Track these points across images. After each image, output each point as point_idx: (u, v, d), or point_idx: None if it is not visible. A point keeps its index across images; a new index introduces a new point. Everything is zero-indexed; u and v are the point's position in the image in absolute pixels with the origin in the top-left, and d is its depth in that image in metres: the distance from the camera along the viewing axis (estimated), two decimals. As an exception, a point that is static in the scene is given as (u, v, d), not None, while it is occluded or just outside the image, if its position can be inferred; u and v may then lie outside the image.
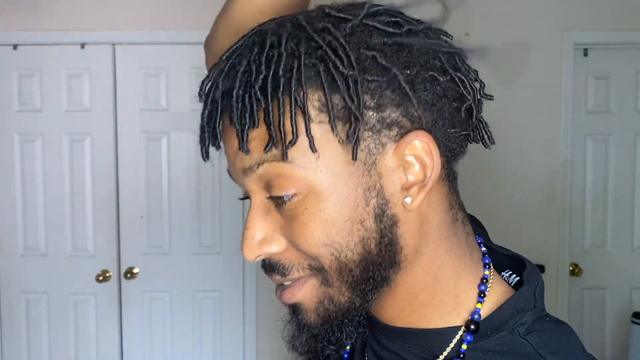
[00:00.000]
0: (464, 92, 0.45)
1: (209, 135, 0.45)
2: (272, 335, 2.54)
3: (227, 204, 2.51)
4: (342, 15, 0.43)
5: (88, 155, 2.48)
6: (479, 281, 0.49)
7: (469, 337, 0.46)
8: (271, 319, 2.53)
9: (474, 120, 0.47)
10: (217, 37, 0.63)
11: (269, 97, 0.41)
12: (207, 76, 0.45)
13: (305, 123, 0.41)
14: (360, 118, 0.41)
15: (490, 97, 0.48)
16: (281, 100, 0.41)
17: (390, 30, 0.42)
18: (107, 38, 2.43)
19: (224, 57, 0.45)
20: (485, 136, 0.49)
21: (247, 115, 0.42)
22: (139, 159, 2.49)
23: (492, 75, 2.38)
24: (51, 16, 2.42)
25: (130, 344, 2.54)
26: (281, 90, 0.41)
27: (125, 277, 2.48)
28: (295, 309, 0.48)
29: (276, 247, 0.46)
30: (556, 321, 0.48)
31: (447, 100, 0.45)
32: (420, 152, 0.43)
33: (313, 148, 0.41)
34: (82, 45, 2.43)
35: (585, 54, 2.48)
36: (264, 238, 0.46)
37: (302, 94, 0.41)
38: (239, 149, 0.43)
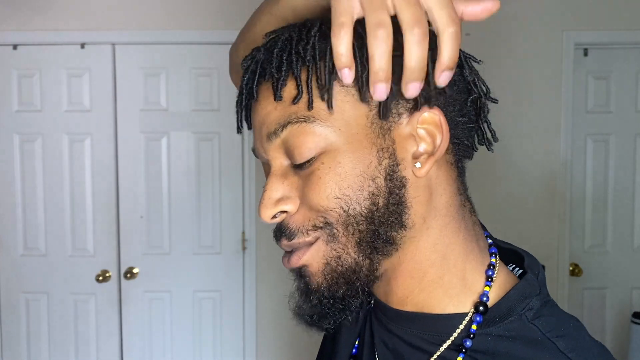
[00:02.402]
0: (472, 86, 0.49)
1: (246, 96, 0.50)
2: (272, 335, 2.54)
3: (227, 204, 2.51)
4: None
5: (88, 155, 2.48)
6: (486, 267, 0.51)
7: (478, 318, 0.47)
8: (271, 319, 2.53)
9: (481, 116, 0.51)
10: (239, 51, 0.64)
11: (304, 58, 0.46)
12: (251, 52, 0.51)
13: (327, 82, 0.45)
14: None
15: (495, 100, 0.51)
16: (316, 62, 0.45)
17: None
18: (107, 38, 2.43)
19: (268, 35, 0.50)
20: (489, 134, 0.52)
21: (283, 69, 0.46)
22: (139, 159, 2.49)
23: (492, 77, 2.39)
24: (51, 16, 2.42)
25: (130, 344, 2.54)
26: (316, 53, 0.45)
27: (125, 277, 2.48)
28: (301, 274, 0.50)
29: (290, 206, 0.48)
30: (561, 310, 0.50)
31: (458, 89, 0.48)
32: (431, 125, 0.46)
33: (330, 104, 0.45)
34: (82, 45, 2.43)
35: (585, 54, 2.48)
36: (281, 198, 0.49)
37: (331, 54, 0.44)
38: (274, 98, 0.47)
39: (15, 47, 2.43)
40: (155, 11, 2.43)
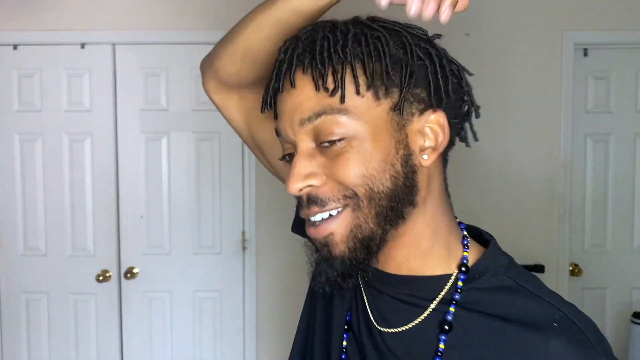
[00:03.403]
0: (468, 95, 0.61)
1: (280, 84, 0.58)
2: (272, 335, 2.54)
3: (227, 204, 2.51)
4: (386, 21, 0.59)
5: (88, 155, 2.48)
6: (461, 238, 0.63)
7: (462, 276, 0.59)
8: (271, 318, 2.53)
9: (468, 119, 0.62)
10: (223, 58, 0.72)
11: (345, 59, 0.54)
12: (284, 44, 0.59)
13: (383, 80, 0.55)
14: (405, 84, 0.55)
15: (477, 107, 0.63)
16: (352, 63, 0.55)
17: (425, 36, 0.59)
18: (107, 38, 2.43)
19: (301, 33, 0.58)
20: (472, 135, 0.63)
21: (326, 65, 0.55)
22: (139, 159, 2.49)
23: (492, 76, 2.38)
24: (51, 16, 2.42)
25: (130, 344, 2.54)
26: (353, 55, 0.55)
27: (125, 277, 2.48)
28: (326, 243, 0.58)
29: (317, 181, 0.57)
30: None
31: (455, 95, 0.59)
32: (436, 125, 0.58)
33: (379, 95, 0.55)
34: (82, 45, 2.43)
35: (585, 54, 2.48)
36: (309, 174, 0.57)
37: (367, 59, 0.55)
38: (316, 89, 0.55)
39: (15, 47, 2.43)
40: (155, 11, 2.43)
